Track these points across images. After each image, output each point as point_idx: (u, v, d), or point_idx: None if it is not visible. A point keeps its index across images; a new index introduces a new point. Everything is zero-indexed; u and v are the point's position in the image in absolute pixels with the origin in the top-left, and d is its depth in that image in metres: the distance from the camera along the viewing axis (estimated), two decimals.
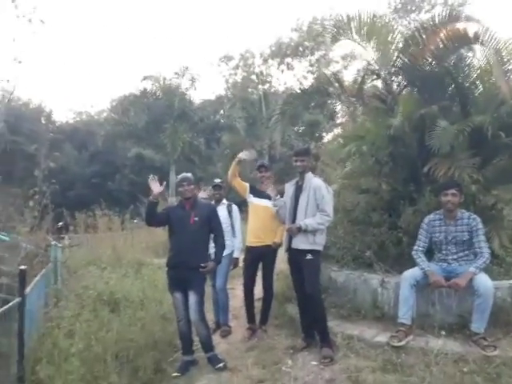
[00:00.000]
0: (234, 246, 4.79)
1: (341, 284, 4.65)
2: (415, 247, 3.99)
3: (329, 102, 6.29)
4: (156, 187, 3.89)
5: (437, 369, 3.27)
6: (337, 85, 5.03)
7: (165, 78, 17.71)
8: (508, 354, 3.40)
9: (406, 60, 4.78)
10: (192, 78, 19.23)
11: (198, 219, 3.91)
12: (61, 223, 12.29)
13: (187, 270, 3.83)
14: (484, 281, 3.52)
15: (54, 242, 6.55)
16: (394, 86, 5.29)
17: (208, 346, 3.99)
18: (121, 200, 20.21)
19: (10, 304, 3.31)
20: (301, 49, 30.82)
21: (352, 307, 4.42)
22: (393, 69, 5.03)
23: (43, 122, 36.26)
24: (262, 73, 30.63)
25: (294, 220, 3.94)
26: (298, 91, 5.07)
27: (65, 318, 4.20)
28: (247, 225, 4.71)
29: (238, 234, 4.87)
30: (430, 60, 4.83)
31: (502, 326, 3.78)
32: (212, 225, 4.03)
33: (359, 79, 5.22)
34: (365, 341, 3.86)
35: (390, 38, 5.08)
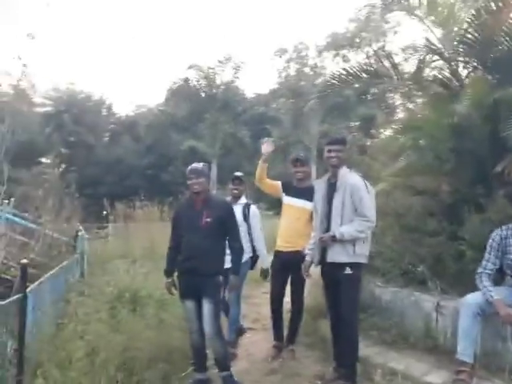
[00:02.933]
0: (259, 251, 4.13)
1: (386, 303, 3.91)
2: (480, 269, 3.16)
3: (381, 89, 5.34)
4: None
5: None
6: (388, 64, 4.21)
7: (209, 67, 17.25)
8: None
9: (476, 35, 3.87)
10: (236, 67, 18.55)
11: (210, 220, 3.27)
12: (105, 212, 12.44)
13: (200, 276, 3.25)
14: None
15: (81, 232, 6.33)
16: (460, 68, 4.39)
17: (223, 365, 3.39)
18: (173, 192, 20.47)
19: (9, 300, 2.99)
20: (357, 40, 29.41)
21: (398, 333, 3.68)
22: (460, 46, 4.13)
23: (104, 114, 37.99)
24: (316, 65, 29.61)
25: (327, 227, 3.24)
26: (342, 72, 4.28)
27: (79, 317, 3.91)
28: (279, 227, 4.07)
29: (255, 239, 4.12)
30: (506, 35, 3.89)
31: None
32: (227, 226, 3.37)
33: (417, 61, 4.35)
34: (413, 379, 3.12)
35: (456, 9, 4.18)
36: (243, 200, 4.20)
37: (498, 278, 3.25)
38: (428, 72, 4.77)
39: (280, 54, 30.64)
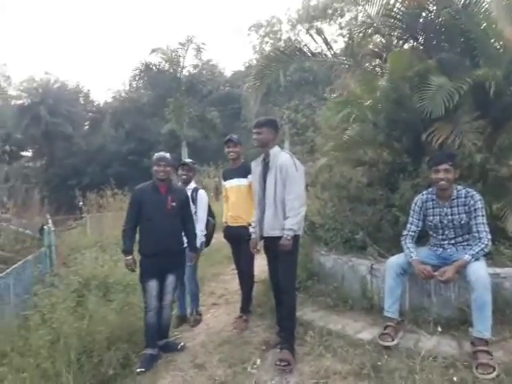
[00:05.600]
0: (198, 231, 4.34)
1: (329, 270, 4.15)
2: (404, 232, 3.40)
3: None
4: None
5: (421, 377, 2.75)
6: (321, 42, 4.32)
7: (171, 50, 17.02)
8: None
9: (402, 8, 4.00)
10: (198, 48, 18.31)
11: (175, 204, 3.69)
12: (81, 203, 12.48)
13: (168, 256, 3.65)
14: (476, 270, 2.89)
15: (47, 226, 6.45)
16: (395, 41, 4.53)
17: (167, 332, 3.90)
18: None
19: None
20: (329, 11, 29.09)
21: (339, 296, 3.94)
22: (391, 20, 4.26)
23: (81, 102, 37.24)
24: (290, 39, 29.31)
25: (263, 205, 3.40)
26: (276, 52, 4.38)
27: (45, 307, 4.06)
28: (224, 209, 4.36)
29: (200, 222, 4.34)
30: (432, 6, 4.02)
31: (511, 323, 3.17)
32: (184, 209, 3.81)
33: (353, 35, 4.47)
34: (346, 337, 3.38)
35: None
36: (192, 185, 4.43)
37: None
38: (367, 46, 4.89)
39: (256, 29, 30.24)
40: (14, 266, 4.69)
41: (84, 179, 26.19)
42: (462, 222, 3.14)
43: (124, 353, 3.67)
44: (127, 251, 3.69)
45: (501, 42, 4.04)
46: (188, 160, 4.48)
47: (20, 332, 3.89)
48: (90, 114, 36.15)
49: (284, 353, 3.19)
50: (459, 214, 3.14)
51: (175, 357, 3.70)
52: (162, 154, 3.78)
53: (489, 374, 2.65)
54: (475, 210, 3.07)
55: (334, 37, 29.20)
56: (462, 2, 4.04)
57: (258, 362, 3.33)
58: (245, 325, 4.08)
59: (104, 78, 63.70)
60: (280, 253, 3.29)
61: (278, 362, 3.13)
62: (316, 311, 3.95)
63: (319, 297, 4.10)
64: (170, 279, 3.75)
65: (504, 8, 3.58)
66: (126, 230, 3.73)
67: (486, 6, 4.15)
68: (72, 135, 31.60)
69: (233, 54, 54.03)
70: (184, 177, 4.37)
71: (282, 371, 3.07)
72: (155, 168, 3.67)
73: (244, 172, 3.98)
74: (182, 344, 3.85)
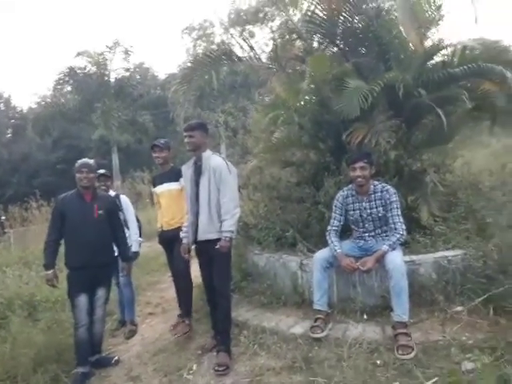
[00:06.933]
0: (130, 238, 4.27)
1: (262, 268, 4.22)
2: (328, 227, 3.56)
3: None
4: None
5: (348, 363, 2.90)
6: (246, 46, 4.43)
7: (98, 53, 16.40)
8: (430, 338, 3.06)
9: (321, 15, 4.20)
10: (126, 51, 17.92)
11: (102, 212, 3.54)
12: (3, 217, 11.57)
13: (96, 268, 3.50)
14: (392, 259, 3.11)
15: None
16: (316, 46, 4.73)
17: (99, 347, 3.76)
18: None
19: None
20: (261, 15, 29.60)
21: (272, 294, 4.01)
22: (310, 26, 4.45)
23: (2, 108, 34.56)
24: (223, 42, 29.39)
25: (197, 209, 3.39)
26: (203, 56, 4.42)
27: None
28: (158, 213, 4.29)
29: (131, 226, 4.34)
30: (348, 13, 4.26)
31: (427, 305, 3.43)
32: (113, 217, 3.70)
33: (278, 40, 4.61)
34: (279, 333, 3.46)
35: None
36: (112, 193, 4.41)
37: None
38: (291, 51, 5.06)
39: (189, 32, 29.93)
40: None
41: (7, 191, 24.26)
42: (380, 214, 3.37)
43: (53, 374, 3.49)
44: (48, 265, 3.50)
45: (411, 48, 4.39)
46: (102, 171, 4.32)
47: None
48: (13, 120, 33.73)
49: (221, 356, 3.21)
50: (377, 207, 3.37)
51: (109, 372, 3.59)
52: (84, 160, 3.66)
53: (408, 354, 2.84)
54: (390, 203, 3.30)
55: (265, 40, 29.85)
56: (374, 10, 4.34)
57: (194, 367, 3.33)
58: (188, 329, 3.91)
59: (27, 83, 59.59)
60: (215, 256, 3.30)
61: (216, 368, 3.14)
62: (250, 310, 4.00)
63: (254, 296, 4.16)
64: (101, 293, 3.62)
65: (409, 15, 3.88)
66: (47, 243, 3.54)
67: (396, 14, 4.51)
68: None
69: (168, 58, 53.08)
70: (103, 187, 4.29)
71: (221, 376, 3.08)
72: (78, 175, 3.55)
73: (174, 176, 3.96)
74: (116, 358, 3.73)
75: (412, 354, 2.85)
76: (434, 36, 4.31)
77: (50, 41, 59.38)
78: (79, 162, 3.64)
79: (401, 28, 4.36)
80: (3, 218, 11.37)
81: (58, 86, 17.89)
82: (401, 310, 3.08)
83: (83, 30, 59.35)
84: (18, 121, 32.68)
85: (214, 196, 3.31)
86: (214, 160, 3.37)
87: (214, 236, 3.32)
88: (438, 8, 4.29)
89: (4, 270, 5.74)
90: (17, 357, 3.56)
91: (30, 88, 56.41)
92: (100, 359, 3.69)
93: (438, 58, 4.48)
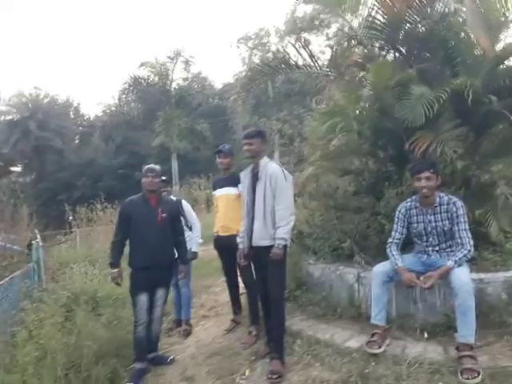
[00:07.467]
0: (192, 240, 4.42)
1: (317, 279, 4.16)
2: (389, 239, 3.43)
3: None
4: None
5: (407, 383, 2.77)
6: (305, 54, 4.41)
7: (160, 64, 17.14)
8: (498, 364, 2.85)
9: (382, 20, 4.10)
10: (186, 61, 18.54)
11: (166, 216, 3.67)
12: (71, 217, 12.38)
13: (157, 269, 3.64)
14: (459, 276, 2.92)
15: (35, 241, 6.41)
16: (377, 52, 4.62)
17: (156, 345, 3.90)
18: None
19: None
20: (316, 22, 29.49)
21: (327, 305, 3.94)
22: (370, 32, 4.35)
23: (72, 116, 37.15)
24: (278, 51, 29.64)
25: (252, 215, 3.42)
26: (261, 65, 4.47)
27: (33, 322, 4.02)
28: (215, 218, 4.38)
29: (195, 228, 4.52)
30: (411, 17, 4.12)
31: (495, 328, 3.20)
32: (175, 221, 3.83)
33: (335, 47, 4.57)
34: (333, 346, 3.39)
35: None
36: (173, 198, 4.54)
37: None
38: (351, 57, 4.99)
39: (245, 41, 30.52)
40: (0, 282, 4.64)
41: (75, 193, 26.01)
42: (445, 228, 3.19)
43: (112, 367, 3.64)
44: (114, 264, 3.68)
45: (480, 52, 4.15)
46: (163, 177, 4.50)
47: (7, 348, 3.85)
48: (81, 127, 36.11)
49: (275, 363, 3.19)
50: (442, 220, 3.19)
51: (165, 370, 3.69)
52: (151, 165, 3.81)
53: (473, 378, 2.66)
54: (457, 216, 3.12)
55: (321, 48, 29.61)
56: (440, 13, 4.16)
57: (247, 372, 3.33)
58: (255, 340, 3.87)
59: (94, 92, 63.79)
60: (270, 262, 3.29)
61: (269, 375, 3.13)
62: (305, 320, 3.95)
63: (308, 306, 4.10)
64: (161, 293, 3.74)
65: (478, 17, 3.67)
66: (114, 243, 3.73)
67: (463, 16, 4.29)
68: (62, 149, 31.54)
69: (223, 67, 54.50)
70: (165, 193, 4.40)
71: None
72: (144, 179, 3.68)
73: (234, 182, 3.99)
74: (172, 357, 3.83)
75: (478, 379, 2.67)
76: (506, 39, 4.05)
77: (114, 51, 63.11)
78: (146, 166, 3.78)
79: (469, 30, 4.14)
80: (71, 217, 12.16)
81: (123, 96, 18.95)
82: (466, 331, 2.89)
83: (144, 40, 62.47)
84: (85, 128, 34.96)
85: (269, 202, 3.32)
86: (270, 167, 3.38)
87: (267, 243, 3.32)
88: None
89: (71, 266, 6.09)
90: (81, 348, 3.75)
91: (95, 97, 60.14)
92: (156, 357, 3.81)
93: (510, 63, 4.21)
